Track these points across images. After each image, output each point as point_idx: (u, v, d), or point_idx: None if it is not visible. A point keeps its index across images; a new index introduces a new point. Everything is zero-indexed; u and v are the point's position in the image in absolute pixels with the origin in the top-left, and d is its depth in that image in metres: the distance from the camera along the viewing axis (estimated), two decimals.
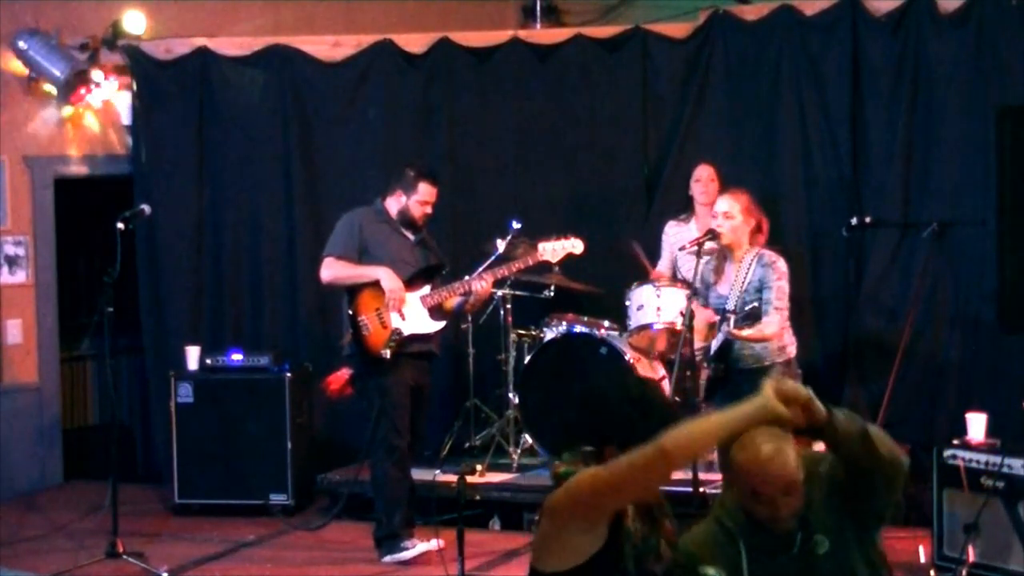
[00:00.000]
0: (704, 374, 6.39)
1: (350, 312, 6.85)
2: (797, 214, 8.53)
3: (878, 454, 3.42)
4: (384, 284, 6.84)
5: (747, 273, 6.18)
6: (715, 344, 6.18)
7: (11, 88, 8.76)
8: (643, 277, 7.92)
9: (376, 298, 6.87)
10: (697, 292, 6.33)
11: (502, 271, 7.16)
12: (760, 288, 6.15)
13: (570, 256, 7.33)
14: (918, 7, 8.18)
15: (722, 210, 6.25)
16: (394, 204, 7.02)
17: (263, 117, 9.07)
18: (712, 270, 6.27)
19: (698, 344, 6.50)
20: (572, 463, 3.43)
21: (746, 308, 5.98)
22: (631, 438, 3.32)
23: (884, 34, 8.31)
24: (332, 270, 6.98)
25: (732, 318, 5.94)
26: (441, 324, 7.04)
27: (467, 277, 7.06)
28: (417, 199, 6.99)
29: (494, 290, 7.91)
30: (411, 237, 7.07)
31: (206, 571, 7.01)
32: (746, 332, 5.94)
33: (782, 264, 6.21)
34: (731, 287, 6.21)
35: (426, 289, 6.98)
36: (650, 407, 3.46)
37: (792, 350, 6.30)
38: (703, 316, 6.31)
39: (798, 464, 3.43)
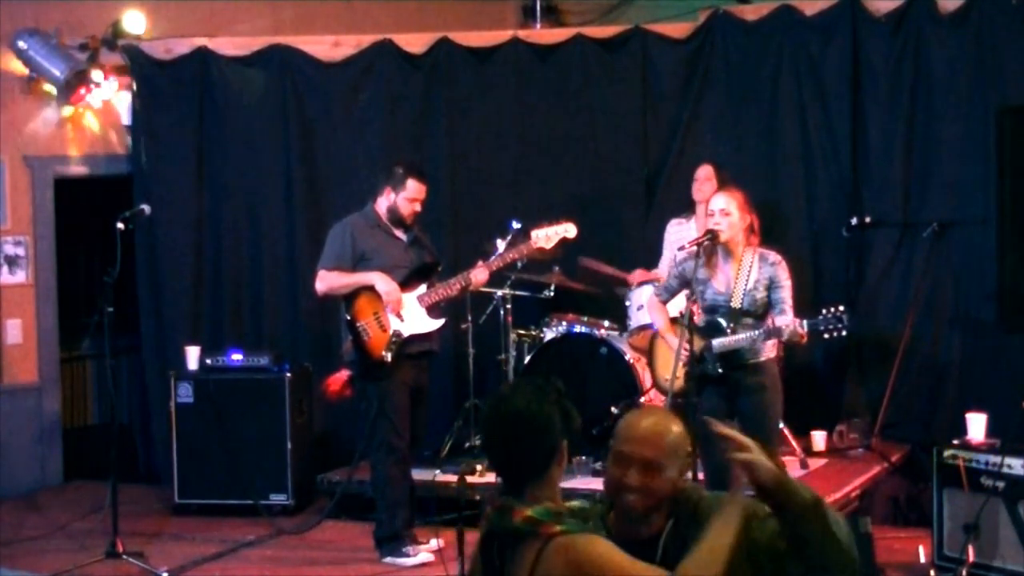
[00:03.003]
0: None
1: (348, 318, 6.85)
2: (797, 214, 8.54)
3: (831, 532, 3.05)
4: (379, 288, 6.84)
5: (750, 271, 6.18)
6: (718, 343, 6.17)
7: (11, 88, 8.76)
8: (623, 282, 7.99)
9: (373, 303, 6.87)
10: (696, 292, 6.32)
11: (497, 262, 7.13)
12: (770, 287, 6.17)
13: (564, 241, 7.24)
14: (918, 7, 8.18)
15: (719, 207, 6.23)
16: (384, 202, 7.01)
17: (263, 117, 9.07)
18: (703, 265, 6.25)
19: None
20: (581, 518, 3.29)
21: (755, 305, 6.04)
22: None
23: (884, 34, 8.31)
24: (326, 282, 6.98)
25: (793, 324, 5.97)
26: (440, 322, 7.03)
27: (460, 275, 7.04)
28: (406, 196, 6.95)
29: (494, 290, 7.92)
30: (403, 238, 7.05)
31: (206, 571, 7.01)
32: (804, 331, 6.00)
33: (785, 264, 6.24)
34: (731, 285, 6.20)
35: (422, 288, 6.97)
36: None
37: (778, 348, 6.38)
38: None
39: (674, 451, 3.24)
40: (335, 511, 7.68)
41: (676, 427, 3.34)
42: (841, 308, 5.99)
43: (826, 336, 6.05)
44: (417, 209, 7.01)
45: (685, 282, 6.33)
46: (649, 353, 7.40)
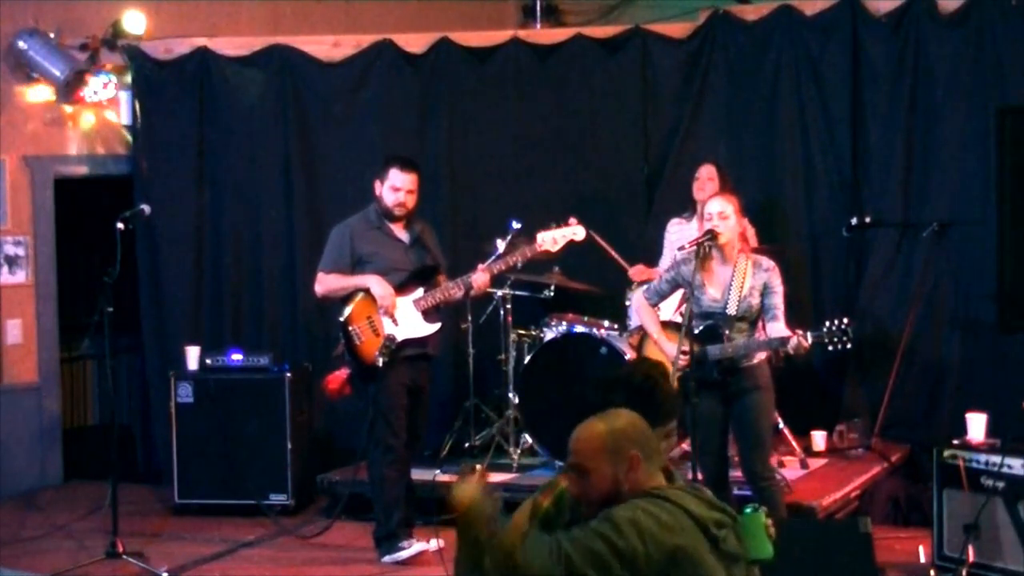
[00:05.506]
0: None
1: (341, 321, 6.85)
2: (797, 214, 8.54)
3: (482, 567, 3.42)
4: (374, 292, 6.81)
5: (744, 277, 6.19)
6: (716, 350, 6.18)
7: (11, 88, 8.76)
8: (620, 270, 7.99)
9: (369, 306, 6.85)
10: (696, 292, 6.33)
11: (500, 265, 7.10)
12: (764, 293, 6.19)
13: (572, 243, 7.18)
14: (918, 7, 8.19)
15: (717, 210, 6.23)
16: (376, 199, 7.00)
17: (263, 117, 9.07)
18: (699, 270, 6.25)
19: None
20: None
21: (750, 311, 6.03)
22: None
23: (884, 34, 8.32)
24: (324, 285, 6.98)
25: (796, 336, 5.95)
26: (436, 326, 6.98)
27: (460, 278, 7.01)
28: (389, 185, 6.87)
29: (494, 290, 7.91)
30: (404, 239, 7.02)
31: (206, 571, 7.01)
32: (808, 343, 5.98)
33: (778, 270, 6.28)
34: (727, 291, 6.21)
35: (419, 292, 6.94)
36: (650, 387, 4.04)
37: None
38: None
39: (602, 450, 3.45)
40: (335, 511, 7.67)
41: (609, 426, 3.47)
42: (846, 321, 5.95)
43: (830, 348, 6.01)
44: (401, 199, 6.89)
45: (677, 285, 6.36)
46: (638, 353, 7.39)
